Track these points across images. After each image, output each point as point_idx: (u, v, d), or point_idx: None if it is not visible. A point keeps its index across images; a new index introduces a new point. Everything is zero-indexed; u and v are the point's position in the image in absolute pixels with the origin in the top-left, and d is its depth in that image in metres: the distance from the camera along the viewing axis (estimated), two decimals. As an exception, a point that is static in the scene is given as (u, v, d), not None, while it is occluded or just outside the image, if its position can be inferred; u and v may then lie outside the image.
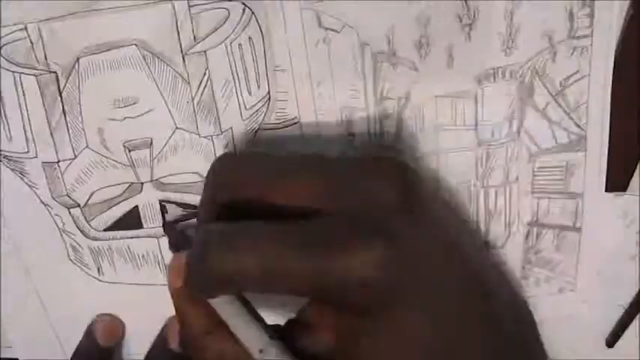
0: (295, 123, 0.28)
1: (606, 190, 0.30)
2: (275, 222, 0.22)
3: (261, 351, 0.23)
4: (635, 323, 0.32)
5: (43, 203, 0.30)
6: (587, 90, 0.28)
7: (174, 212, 0.31)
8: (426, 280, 0.21)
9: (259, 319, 0.24)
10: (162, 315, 0.32)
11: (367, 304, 0.21)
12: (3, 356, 0.34)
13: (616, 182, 0.30)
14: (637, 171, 0.29)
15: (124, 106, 0.28)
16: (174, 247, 0.26)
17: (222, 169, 0.24)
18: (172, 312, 0.24)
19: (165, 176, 0.30)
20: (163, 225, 0.31)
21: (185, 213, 0.30)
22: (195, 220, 0.27)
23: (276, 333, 0.23)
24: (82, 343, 0.33)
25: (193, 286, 0.23)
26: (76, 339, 0.33)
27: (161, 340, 0.32)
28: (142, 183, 0.30)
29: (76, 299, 0.33)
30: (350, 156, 0.24)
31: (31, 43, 0.27)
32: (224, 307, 0.23)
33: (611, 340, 0.33)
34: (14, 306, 0.33)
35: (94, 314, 0.33)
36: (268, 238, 0.21)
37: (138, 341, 0.33)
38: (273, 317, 0.25)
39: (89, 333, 0.33)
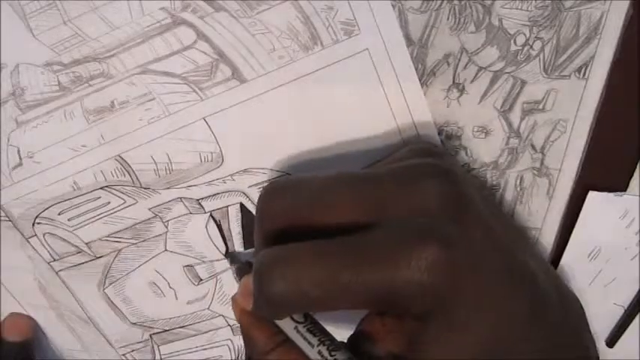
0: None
1: (606, 190, 0.30)
2: (324, 240, 0.22)
3: (335, 356, 0.23)
4: (635, 323, 0.32)
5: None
6: (583, 90, 0.28)
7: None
8: (479, 279, 0.21)
9: (327, 335, 0.24)
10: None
11: (428, 309, 0.21)
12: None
13: (616, 182, 0.30)
14: (637, 171, 0.29)
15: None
16: (240, 275, 0.28)
17: (268, 197, 0.24)
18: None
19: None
20: (226, 255, 0.31)
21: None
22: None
23: (343, 347, 0.24)
24: None
25: (258, 310, 0.23)
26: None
27: None
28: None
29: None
30: (387, 165, 0.24)
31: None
32: (291, 325, 0.24)
33: (611, 340, 0.33)
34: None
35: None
36: (319, 258, 0.21)
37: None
38: (339, 333, 0.25)
39: None
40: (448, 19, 0.26)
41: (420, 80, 0.27)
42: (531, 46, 0.26)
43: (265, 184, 0.29)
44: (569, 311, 0.24)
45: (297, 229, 0.23)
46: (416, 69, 0.27)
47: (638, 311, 0.32)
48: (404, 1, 0.25)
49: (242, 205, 0.30)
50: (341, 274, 0.21)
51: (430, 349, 0.21)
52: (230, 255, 0.31)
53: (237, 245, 0.31)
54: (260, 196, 0.25)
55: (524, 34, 0.26)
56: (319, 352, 0.23)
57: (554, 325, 0.22)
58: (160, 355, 0.35)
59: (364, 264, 0.20)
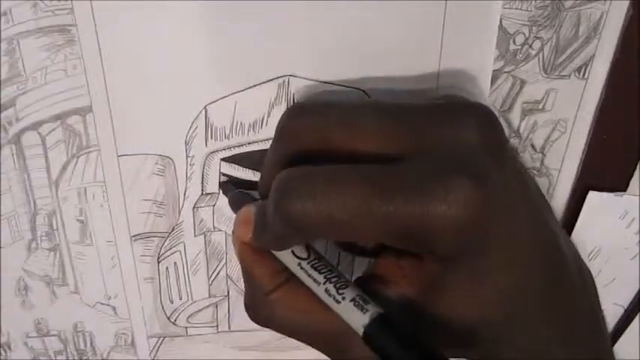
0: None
1: (606, 190, 0.30)
2: (357, 164, 0.20)
3: (342, 299, 0.21)
4: (635, 323, 0.32)
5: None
6: (583, 90, 0.28)
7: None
8: (509, 224, 0.20)
9: (332, 272, 0.22)
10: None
11: (456, 248, 0.20)
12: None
13: (616, 182, 0.30)
14: (637, 171, 0.29)
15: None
16: (235, 205, 0.26)
17: (292, 117, 0.23)
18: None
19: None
20: (220, 185, 0.29)
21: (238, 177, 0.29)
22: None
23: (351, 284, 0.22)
24: None
25: (270, 235, 0.22)
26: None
27: None
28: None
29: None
30: (422, 102, 0.23)
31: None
32: (293, 261, 0.23)
33: (611, 340, 0.33)
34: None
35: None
36: (352, 180, 0.19)
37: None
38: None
39: None
40: (448, 18, 0.26)
41: (420, 80, 0.27)
42: (530, 46, 0.26)
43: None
44: (585, 284, 0.23)
45: (320, 153, 0.21)
46: (416, 68, 0.27)
47: (638, 311, 0.32)
48: (404, 1, 0.26)
49: None
50: (373, 199, 0.19)
51: (450, 295, 0.21)
52: (224, 184, 0.29)
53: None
54: (284, 113, 0.23)
55: (524, 34, 0.26)
56: (326, 290, 0.22)
57: (570, 293, 0.22)
58: None
59: (399, 192, 0.19)
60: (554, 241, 0.22)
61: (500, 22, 0.26)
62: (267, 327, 0.24)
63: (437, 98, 0.25)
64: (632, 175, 0.29)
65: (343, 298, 0.21)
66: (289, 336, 0.24)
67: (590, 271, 0.24)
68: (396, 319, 0.20)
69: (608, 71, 0.27)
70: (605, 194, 0.30)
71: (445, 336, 0.21)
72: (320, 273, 0.22)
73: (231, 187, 0.28)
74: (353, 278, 0.26)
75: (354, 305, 0.21)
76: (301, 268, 0.23)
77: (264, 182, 0.25)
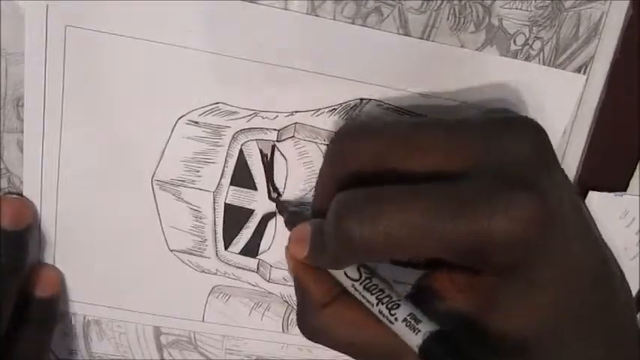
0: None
1: (606, 190, 0.30)
2: (413, 185, 0.20)
3: (395, 320, 0.21)
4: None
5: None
6: (583, 90, 0.28)
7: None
8: (564, 238, 0.20)
9: (384, 291, 0.22)
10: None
11: (513, 262, 0.20)
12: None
13: (616, 182, 0.30)
14: (637, 171, 0.29)
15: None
16: (290, 223, 0.26)
17: (348, 136, 0.23)
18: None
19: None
20: (276, 203, 0.29)
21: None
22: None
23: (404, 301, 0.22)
24: None
25: (326, 255, 0.22)
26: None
27: None
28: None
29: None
30: (471, 118, 0.23)
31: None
32: (348, 280, 0.23)
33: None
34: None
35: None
36: (412, 200, 0.20)
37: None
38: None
39: None
40: (448, 19, 0.26)
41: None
42: (531, 46, 0.27)
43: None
44: (628, 301, 0.23)
45: (376, 173, 0.21)
46: (416, 69, 0.27)
47: (638, 311, 0.32)
48: (404, 1, 0.26)
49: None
50: (435, 218, 0.19)
51: (505, 308, 0.21)
52: (279, 203, 0.28)
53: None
54: (337, 134, 0.23)
55: (524, 34, 0.26)
56: (380, 312, 0.22)
57: (616, 310, 0.22)
58: None
59: (461, 209, 0.19)
60: (603, 257, 0.22)
61: (501, 22, 0.26)
62: (315, 340, 0.24)
63: (483, 112, 0.25)
64: (632, 175, 0.29)
65: (395, 319, 0.21)
66: (338, 350, 0.24)
67: (629, 288, 0.24)
68: (451, 335, 0.21)
69: (608, 71, 0.27)
70: (605, 194, 0.30)
71: (497, 349, 0.21)
72: (372, 294, 0.22)
73: (286, 206, 0.28)
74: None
75: (407, 326, 0.21)
76: (355, 289, 0.23)
77: (318, 201, 0.25)
